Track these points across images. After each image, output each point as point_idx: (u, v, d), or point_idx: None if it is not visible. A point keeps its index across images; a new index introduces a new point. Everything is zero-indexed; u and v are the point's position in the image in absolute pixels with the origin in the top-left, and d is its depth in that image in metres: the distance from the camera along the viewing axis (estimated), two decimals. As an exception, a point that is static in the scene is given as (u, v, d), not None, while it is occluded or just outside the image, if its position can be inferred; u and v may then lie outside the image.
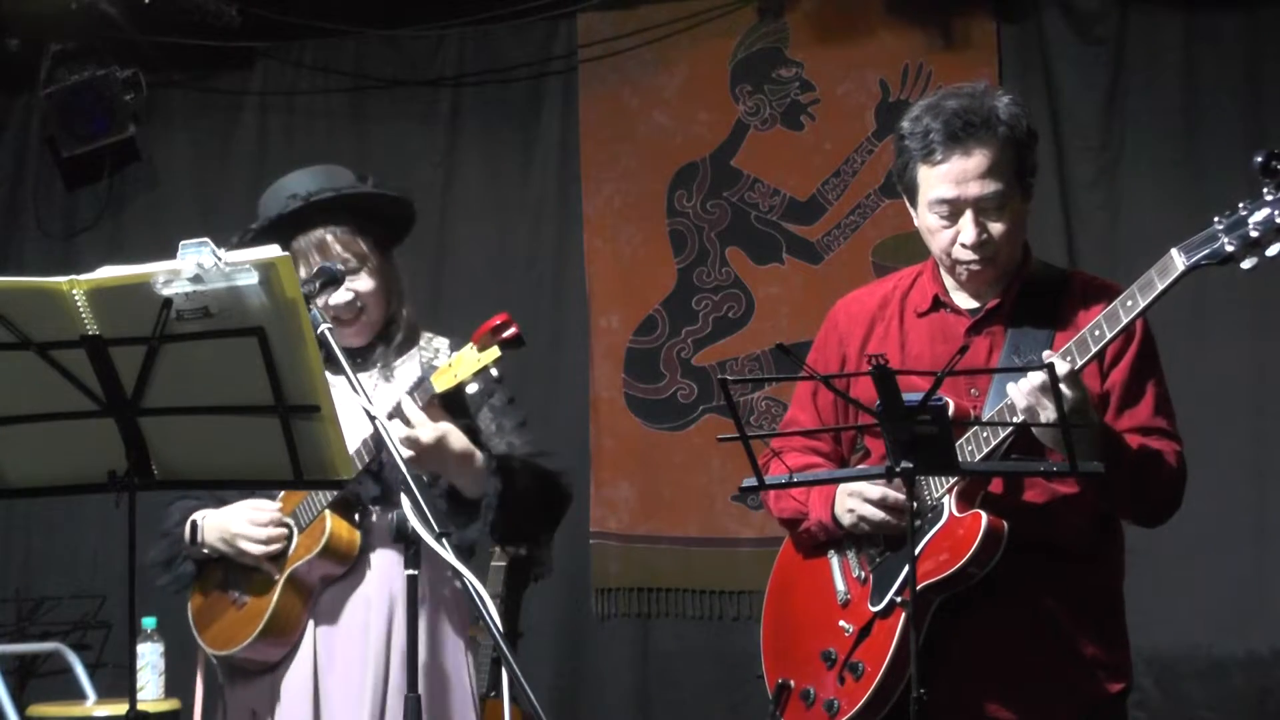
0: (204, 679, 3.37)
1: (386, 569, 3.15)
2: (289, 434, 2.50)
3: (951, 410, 2.61)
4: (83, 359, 2.43)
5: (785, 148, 5.67)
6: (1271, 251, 2.53)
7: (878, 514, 2.87)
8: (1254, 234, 2.53)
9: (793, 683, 3.01)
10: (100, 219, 6.33)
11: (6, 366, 2.43)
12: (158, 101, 6.25)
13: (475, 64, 6.03)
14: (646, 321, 5.78)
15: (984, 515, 2.78)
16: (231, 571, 3.21)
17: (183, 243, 2.36)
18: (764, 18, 5.71)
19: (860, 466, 3.04)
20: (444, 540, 2.62)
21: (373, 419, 2.78)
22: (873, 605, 2.89)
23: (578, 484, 5.65)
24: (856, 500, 2.90)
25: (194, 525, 3.20)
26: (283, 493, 3.20)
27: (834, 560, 3.01)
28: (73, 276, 2.38)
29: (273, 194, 3.25)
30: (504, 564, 4.93)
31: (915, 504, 2.71)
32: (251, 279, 2.36)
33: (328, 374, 3.13)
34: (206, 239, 2.36)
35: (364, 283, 3.21)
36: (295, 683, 3.13)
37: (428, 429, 2.98)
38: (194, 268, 2.35)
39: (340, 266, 3.14)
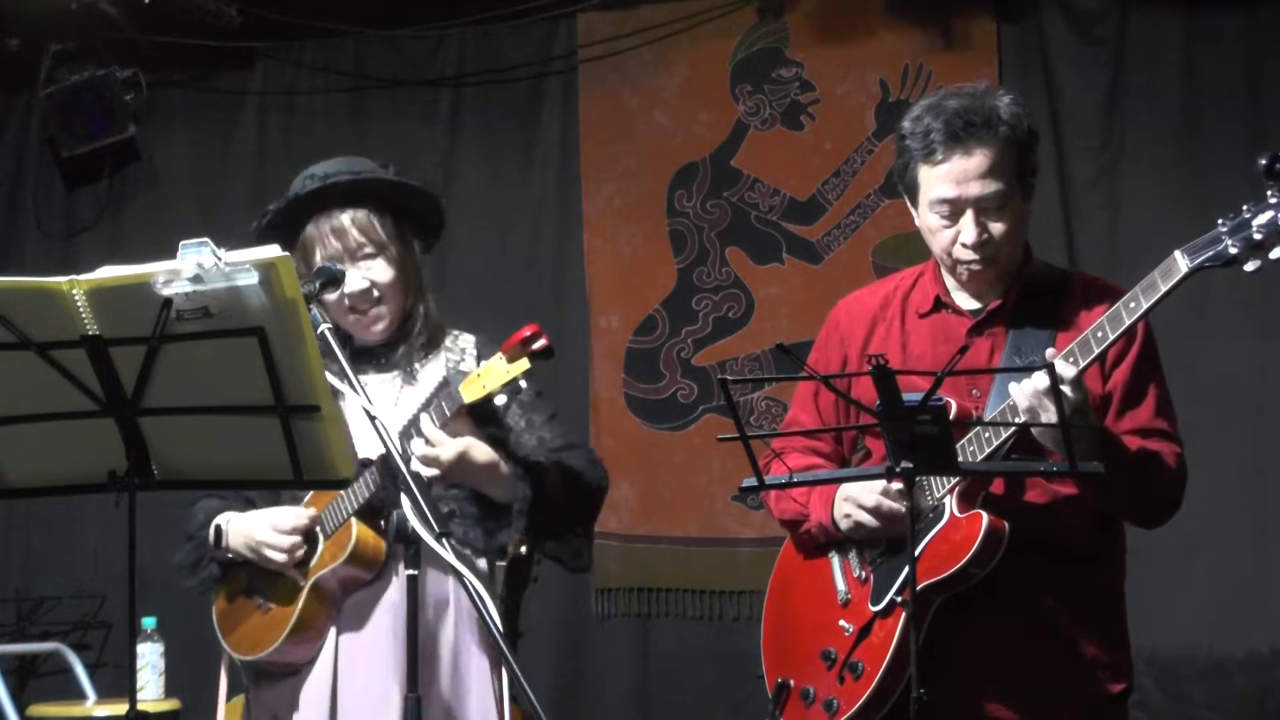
0: (228, 679, 3.36)
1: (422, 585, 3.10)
2: (289, 434, 2.50)
3: (954, 411, 2.61)
4: (83, 359, 2.43)
5: (785, 148, 5.66)
6: (1275, 254, 2.54)
7: (871, 522, 2.88)
8: (1258, 236, 2.53)
9: (792, 682, 3.01)
10: (100, 219, 6.33)
11: (6, 366, 2.44)
12: (158, 101, 6.25)
13: (475, 64, 6.03)
14: (646, 321, 5.78)
15: (985, 515, 2.78)
16: (256, 575, 3.18)
17: (183, 243, 2.36)
18: (764, 18, 5.71)
19: (861, 467, 3.04)
20: (444, 540, 2.62)
21: (373, 419, 2.77)
22: (873, 605, 2.90)
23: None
24: (851, 506, 2.90)
25: (218, 529, 3.17)
26: (307, 496, 3.17)
27: (835, 560, 3.01)
28: (73, 276, 2.38)
29: (298, 179, 3.23)
30: (504, 564, 4.93)
31: (916, 504, 2.71)
32: (251, 279, 2.36)
33: (356, 376, 3.14)
34: (206, 239, 2.36)
35: (381, 272, 3.17)
36: (314, 690, 3.11)
37: (448, 447, 2.95)
38: (194, 268, 2.35)
39: (340, 267, 3.12)
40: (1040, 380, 2.65)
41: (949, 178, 2.84)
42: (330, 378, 2.59)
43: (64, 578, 6.05)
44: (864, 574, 2.95)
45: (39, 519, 6.17)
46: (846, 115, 5.60)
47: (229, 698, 3.40)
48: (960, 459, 2.76)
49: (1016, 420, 2.72)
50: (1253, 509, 5.10)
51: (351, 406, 2.84)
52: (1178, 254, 2.61)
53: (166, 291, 2.36)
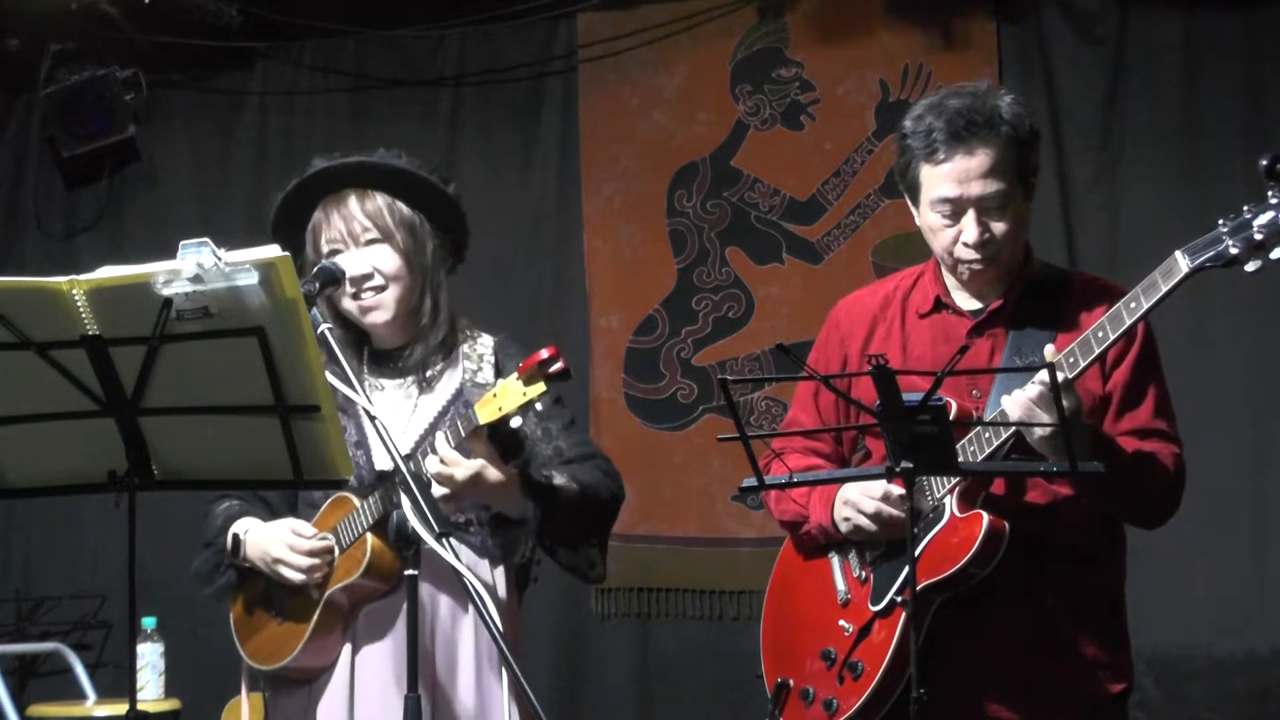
0: (247, 684, 3.35)
1: (431, 589, 3.08)
2: (289, 434, 2.50)
3: (954, 411, 2.61)
4: (83, 359, 2.43)
5: (785, 148, 5.66)
6: (1276, 254, 2.54)
7: (871, 526, 2.88)
8: (1258, 237, 2.53)
9: (792, 682, 3.01)
10: (100, 219, 6.33)
11: (6, 366, 2.43)
12: (158, 101, 6.25)
13: (475, 64, 6.02)
14: (646, 321, 5.78)
15: (985, 515, 2.78)
16: (273, 584, 3.15)
17: (183, 243, 2.36)
18: (764, 18, 5.71)
19: (860, 468, 3.04)
20: (444, 540, 2.62)
21: (373, 419, 2.77)
22: (873, 605, 2.90)
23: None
24: (851, 510, 2.90)
25: (236, 539, 3.15)
26: (323, 508, 3.14)
27: (834, 560, 3.01)
28: (73, 276, 2.38)
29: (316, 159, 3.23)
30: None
31: (916, 505, 2.71)
32: (251, 279, 2.36)
33: (370, 379, 3.12)
34: (206, 239, 2.36)
35: (386, 259, 3.13)
36: (331, 701, 3.09)
37: (463, 468, 2.92)
38: (194, 268, 2.34)
39: (340, 266, 3.11)
40: (1031, 390, 2.66)
41: (951, 177, 2.84)
42: (333, 380, 2.59)
43: (64, 578, 6.05)
44: (864, 574, 2.95)
45: (39, 519, 6.16)
46: (846, 115, 5.60)
47: (249, 691, 3.38)
48: (960, 459, 2.76)
49: (1015, 421, 2.72)
50: (1253, 509, 5.10)
51: (378, 410, 2.83)
52: (1178, 254, 2.61)
53: (166, 291, 2.36)
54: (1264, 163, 2.54)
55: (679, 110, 5.77)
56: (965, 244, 2.86)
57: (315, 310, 2.84)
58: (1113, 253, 5.23)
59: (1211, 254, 2.58)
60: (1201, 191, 5.13)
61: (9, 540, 6.26)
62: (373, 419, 2.77)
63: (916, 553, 2.75)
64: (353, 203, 3.14)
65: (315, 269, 3.08)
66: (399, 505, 2.73)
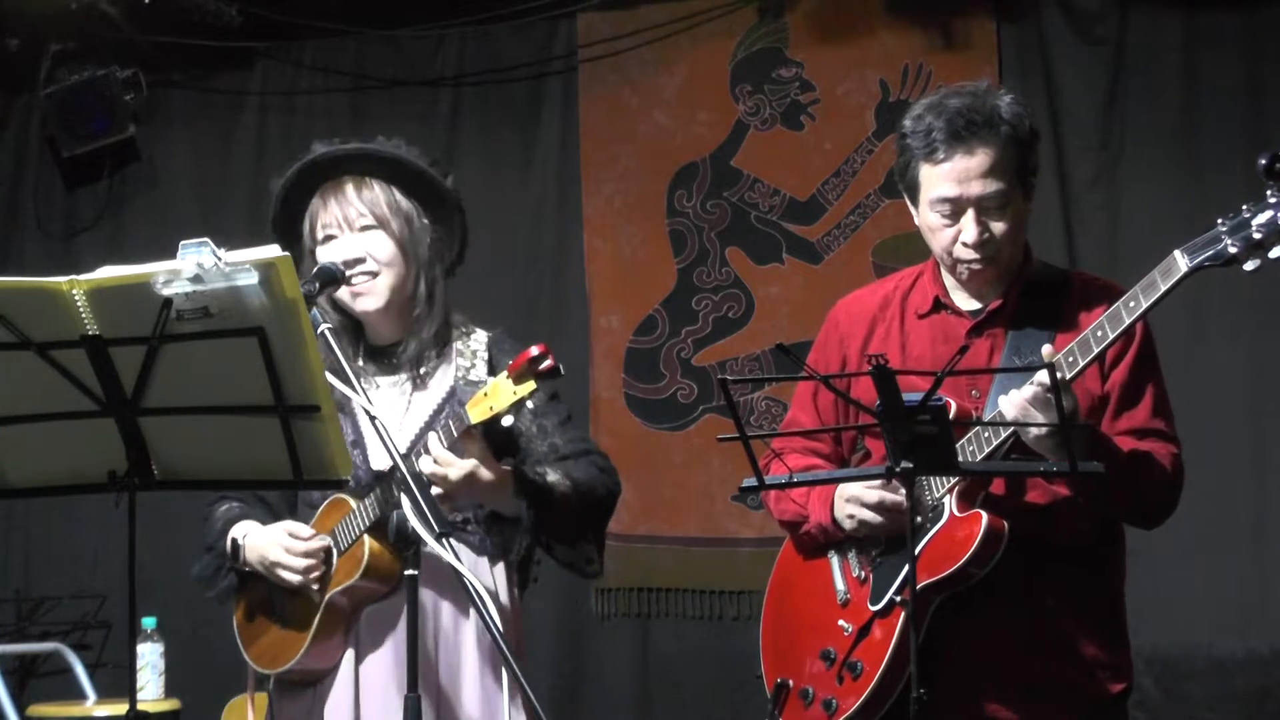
0: (254, 685, 3.35)
1: (432, 591, 3.07)
2: (289, 434, 2.50)
3: (953, 411, 2.61)
4: (83, 359, 2.43)
5: (785, 148, 5.66)
6: (1274, 253, 2.54)
7: (875, 518, 2.87)
8: (1257, 236, 2.53)
9: (791, 682, 3.01)
10: (100, 219, 6.33)
11: (6, 366, 2.43)
12: (158, 101, 6.25)
13: (475, 64, 6.03)
14: (646, 321, 5.78)
15: (984, 515, 2.78)
16: (274, 588, 3.15)
17: (183, 243, 2.36)
18: (764, 18, 5.71)
19: (860, 468, 3.04)
20: (444, 540, 2.62)
21: (373, 419, 2.77)
22: (872, 605, 2.90)
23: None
24: (854, 505, 2.90)
25: (235, 543, 3.15)
26: (320, 509, 3.14)
27: (834, 560, 3.01)
28: (73, 276, 2.38)
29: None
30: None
31: (915, 504, 2.71)
32: (251, 279, 2.36)
33: (365, 376, 3.12)
34: (206, 239, 2.36)
35: (379, 245, 3.12)
36: (336, 704, 3.09)
37: (456, 468, 2.91)
38: (194, 268, 2.34)
39: (339, 266, 3.11)
40: (1028, 390, 2.66)
41: (950, 176, 2.84)
42: (332, 379, 2.58)
43: (64, 578, 6.05)
44: (863, 574, 2.95)
45: (39, 519, 6.17)
46: (846, 115, 5.60)
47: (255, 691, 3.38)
48: (959, 459, 2.75)
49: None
50: (1253, 509, 5.10)
51: (378, 409, 2.82)
52: (1177, 253, 2.61)
53: (166, 291, 2.36)
54: (1262, 162, 2.54)
55: (679, 110, 5.77)
56: (964, 244, 2.86)
57: (315, 310, 2.84)
58: (1113, 253, 5.23)
59: (1210, 253, 2.58)
60: (1201, 191, 5.13)
61: (9, 540, 6.26)
62: (373, 419, 2.76)
63: (916, 552, 2.75)
64: (350, 189, 3.14)
65: (315, 269, 3.08)
66: (398, 505, 2.72)
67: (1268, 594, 5.04)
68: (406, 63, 6.09)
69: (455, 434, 2.90)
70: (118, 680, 5.59)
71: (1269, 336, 5.13)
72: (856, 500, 2.89)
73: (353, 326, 3.20)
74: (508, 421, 2.84)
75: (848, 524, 2.93)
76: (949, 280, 2.99)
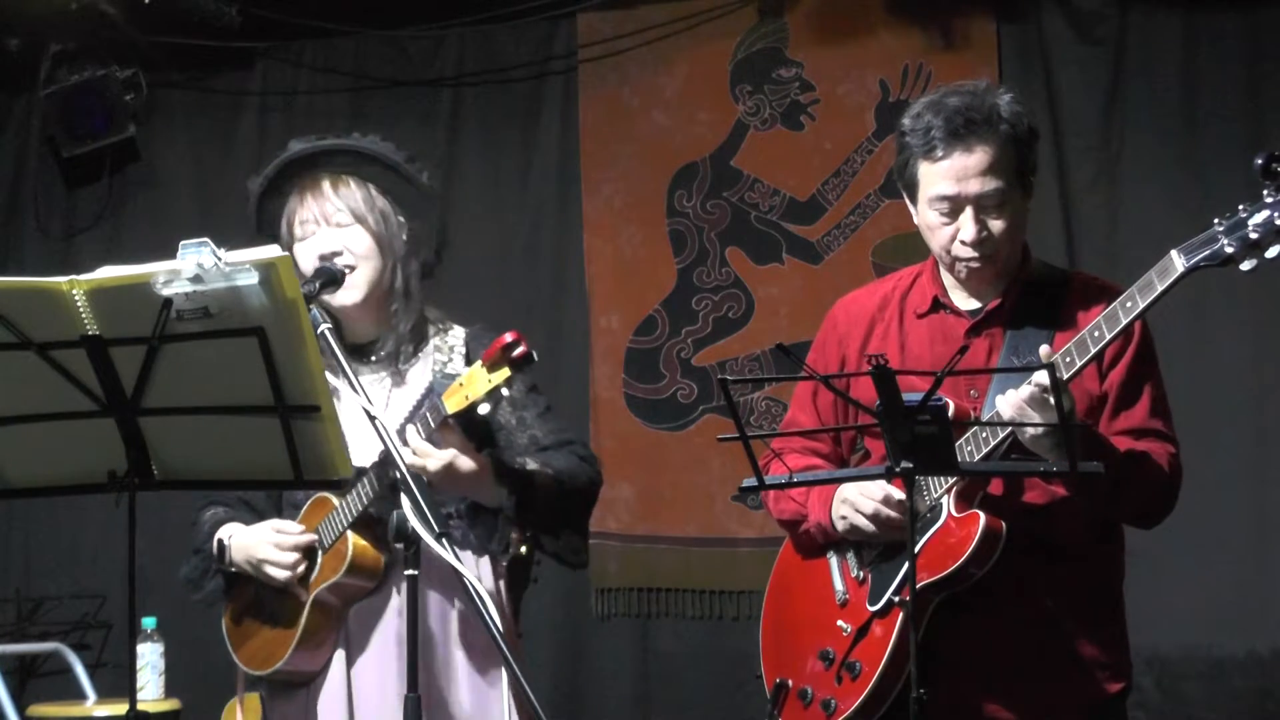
0: (244, 688, 3.36)
1: (420, 588, 3.09)
2: (289, 434, 2.50)
3: (951, 411, 2.61)
4: (83, 359, 2.43)
5: (785, 148, 5.66)
6: (1271, 253, 2.53)
7: (869, 526, 2.88)
8: (1254, 236, 2.53)
9: (790, 682, 3.01)
10: (100, 219, 6.33)
11: (6, 366, 2.44)
12: (158, 101, 6.25)
13: (475, 64, 6.03)
14: (646, 321, 5.78)
15: (982, 515, 2.78)
16: (262, 590, 3.17)
17: (183, 243, 2.36)
18: (764, 18, 5.71)
19: (860, 468, 3.04)
20: (444, 540, 2.62)
21: (373, 419, 2.77)
22: (871, 605, 2.90)
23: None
24: (849, 509, 2.90)
25: (221, 544, 3.17)
26: (305, 508, 3.16)
27: (833, 560, 3.01)
28: (73, 276, 2.38)
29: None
30: (505, 564, 4.92)
31: (914, 505, 2.71)
32: (251, 279, 2.36)
33: (356, 376, 3.13)
34: (206, 239, 2.36)
35: (356, 240, 3.14)
36: (329, 702, 3.11)
37: (435, 459, 2.92)
38: (194, 268, 2.35)
39: (342, 267, 3.12)
40: (1024, 390, 2.66)
41: (949, 174, 2.84)
42: (329, 377, 2.59)
43: (64, 578, 6.05)
44: (862, 574, 2.95)
45: (39, 519, 6.17)
46: (846, 115, 5.60)
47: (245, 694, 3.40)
48: (958, 459, 2.75)
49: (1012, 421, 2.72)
50: (1253, 509, 5.10)
51: (346, 410, 2.82)
52: (1174, 253, 2.61)
53: (166, 291, 2.36)
54: (1259, 162, 2.55)
55: (679, 110, 5.77)
56: (963, 242, 2.86)
57: (315, 310, 2.84)
58: (1113, 253, 5.23)
59: (1207, 253, 2.57)
60: (1201, 191, 5.13)
61: (9, 540, 6.26)
62: (373, 419, 2.77)
63: (915, 550, 2.75)
64: (326, 186, 3.16)
65: (316, 269, 3.09)
66: (397, 505, 2.72)
67: (1268, 595, 5.04)
68: (406, 63, 6.09)
69: (433, 425, 2.91)
70: (118, 680, 5.60)
71: (1269, 336, 5.13)
72: (851, 505, 2.89)
73: (331, 325, 3.21)
74: (484, 410, 2.85)
75: (840, 525, 2.93)
76: (948, 280, 2.99)
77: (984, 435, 2.80)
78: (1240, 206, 2.56)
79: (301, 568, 3.10)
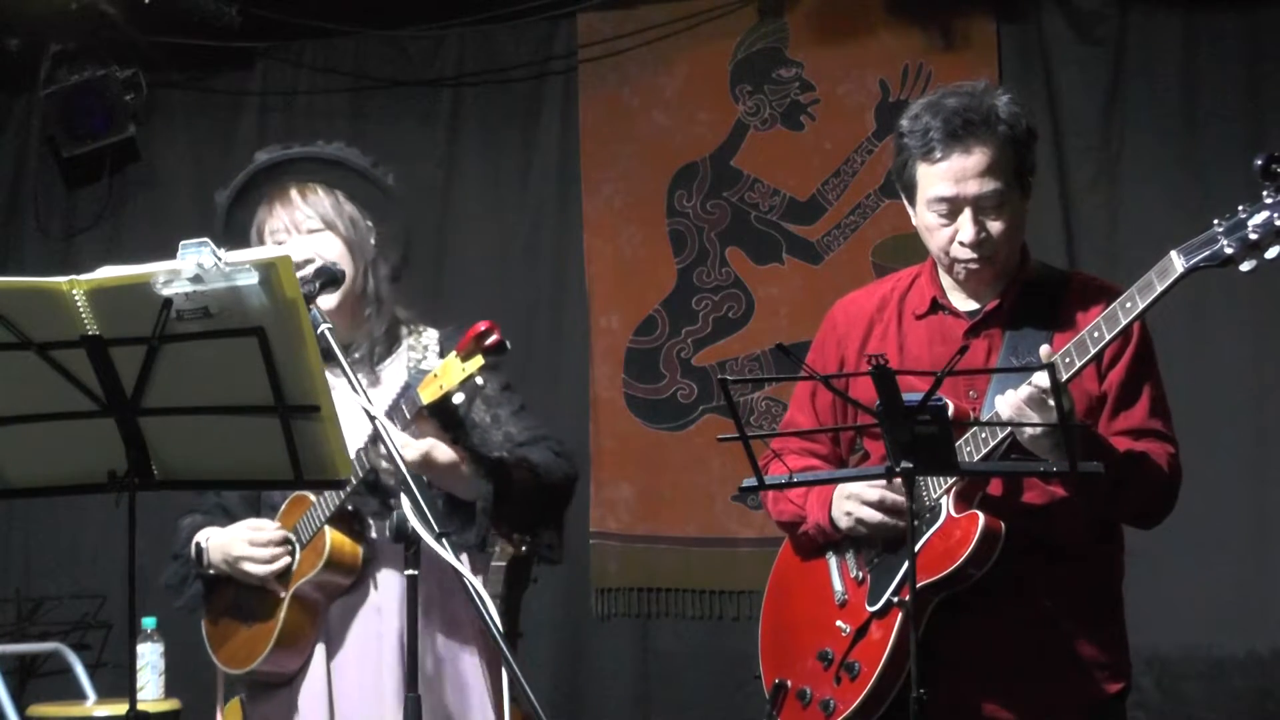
0: (223, 694, 3.38)
1: (395, 578, 3.13)
2: (289, 434, 2.50)
3: (951, 411, 2.61)
4: (83, 359, 2.43)
5: (785, 148, 5.67)
6: (1270, 254, 2.53)
7: (875, 516, 2.87)
8: (1253, 236, 2.53)
9: (789, 682, 3.01)
10: (100, 219, 6.33)
11: (6, 366, 2.43)
12: (158, 101, 6.25)
13: (475, 64, 6.03)
14: (646, 321, 5.78)
15: (981, 515, 2.78)
16: (240, 591, 3.20)
17: (183, 243, 2.36)
18: (764, 18, 5.71)
19: (859, 468, 3.04)
20: (444, 540, 2.63)
21: (373, 419, 2.77)
22: (870, 606, 2.90)
23: (578, 484, 5.68)
24: (854, 503, 2.90)
25: (199, 547, 3.19)
26: (282, 508, 3.19)
27: (832, 561, 3.01)
28: (73, 276, 2.38)
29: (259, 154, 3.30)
30: (504, 564, 4.93)
31: (913, 505, 2.71)
32: (251, 279, 2.36)
33: (356, 377, 3.14)
34: (206, 239, 2.36)
35: (328, 246, 3.17)
36: (310, 697, 3.13)
37: (411, 449, 2.95)
38: (194, 268, 2.34)
39: (339, 267, 3.13)
40: (1023, 391, 2.66)
41: (947, 176, 2.84)
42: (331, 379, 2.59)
43: (64, 578, 6.05)
44: (861, 575, 2.95)
45: (39, 519, 6.17)
46: (846, 115, 5.60)
47: (225, 700, 3.41)
48: (958, 459, 2.75)
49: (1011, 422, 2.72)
50: (1253, 509, 5.11)
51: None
52: (1173, 254, 2.61)
53: (166, 291, 2.36)
54: (1258, 163, 2.55)
55: (679, 110, 5.78)
56: (961, 243, 2.86)
57: (315, 310, 2.85)
58: (1113, 253, 5.23)
59: (1206, 254, 2.57)
60: (1201, 191, 5.13)
61: (9, 540, 6.26)
62: (372, 419, 2.78)
63: (915, 549, 2.75)
64: (294, 194, 3.21)
65: (316, 268, 3.10)
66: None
67: (1268, 595, 5.04)
68: (406, 63, 6.09)
69: (409, 417, 2.92)
70: (118, 680, 5.60)
71: (1269, 336, 5.13)
72: (856, 498, 2.89)
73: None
74: (459, 399, 2.88)
75: (844, 522, 2.93)
76: (946, 281, 2.99)
77: (983, 435, 2.80)
78: (1240, 207, 2.56)
79: (279, 564, 3.13)
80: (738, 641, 5.31)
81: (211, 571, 3.20)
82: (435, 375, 2.88)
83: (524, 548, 4.71)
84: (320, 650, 3.13)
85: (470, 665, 3.17)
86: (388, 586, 3.14)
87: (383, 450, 2.93)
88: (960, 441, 2.79)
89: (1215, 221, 2.58)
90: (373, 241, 3.24)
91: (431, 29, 6.01)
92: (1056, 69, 5.39)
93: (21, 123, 6.44)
